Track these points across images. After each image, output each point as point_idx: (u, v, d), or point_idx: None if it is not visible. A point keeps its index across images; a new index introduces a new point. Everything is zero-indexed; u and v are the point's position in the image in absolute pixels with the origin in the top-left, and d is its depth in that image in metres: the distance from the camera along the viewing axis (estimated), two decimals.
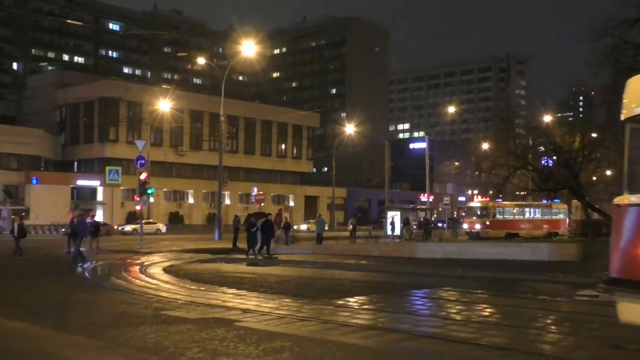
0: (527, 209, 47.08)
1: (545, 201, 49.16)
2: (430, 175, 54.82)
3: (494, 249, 23.03)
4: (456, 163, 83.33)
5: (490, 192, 47.84)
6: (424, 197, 62.43)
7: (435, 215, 62.57)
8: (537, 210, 47.68)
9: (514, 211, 46.06)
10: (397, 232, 44.65)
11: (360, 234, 45.06)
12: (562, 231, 47.69)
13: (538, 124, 43.14)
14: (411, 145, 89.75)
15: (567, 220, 48.82)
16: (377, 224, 59.00)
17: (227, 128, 56.00)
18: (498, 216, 44.68)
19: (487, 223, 43.86)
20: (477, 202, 47.77)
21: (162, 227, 56.04)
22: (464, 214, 48.92)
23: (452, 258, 22.38)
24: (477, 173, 54.12)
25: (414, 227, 45.57)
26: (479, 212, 44.96)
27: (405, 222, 44.25)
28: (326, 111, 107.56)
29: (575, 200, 42.05)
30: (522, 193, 47.80)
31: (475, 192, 58.11)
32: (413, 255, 23.76)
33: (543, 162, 42.14)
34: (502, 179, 40.13)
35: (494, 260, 20.84)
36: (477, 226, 43.95)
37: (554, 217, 48.52)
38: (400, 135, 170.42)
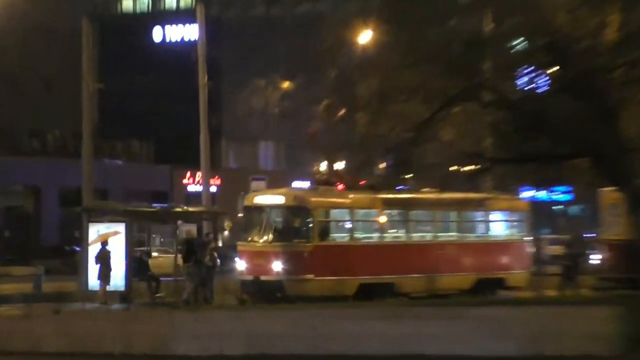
0: (417, 212, 37.56)
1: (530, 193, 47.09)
2: (212, 118, 48.28)
3: (393, 327, 20.80)
4: (285, 84, 71.00)
5: (381, 167, 36.28)
6: (192, 184, 57.78)
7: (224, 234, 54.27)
8: (448, 212, 38.42)
9: (385, 216, 36.38)
10: (119, 281, 37.01)
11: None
12: (518, 275, 38.38)
13: None
14: (156, 35, 74.35)
15: (527, 247, 40.19)
16: (65, 256, 52.23)
17: None
18: (334, 235, 35.84)
19: (301, 258, 35.22)
20: (264, 195, 39.47)
21: None
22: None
23: (275, 355, 20.63)
24: (341, 113, 38.33)
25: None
26: (271, 223, 36.22)
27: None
28: None
29: (608, 190, 35.49)
30: (468, 171, 36.08)
31: (340, 166, 44.34)
32: (166, 348, 21.67)
33: (521, 83, 32.11)
34: (413, 131, 30.70)
35: None
36: (274, 266, 35.02)
37: (497, 234, 39.47)
38: (125, 6, 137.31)
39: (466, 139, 32.54)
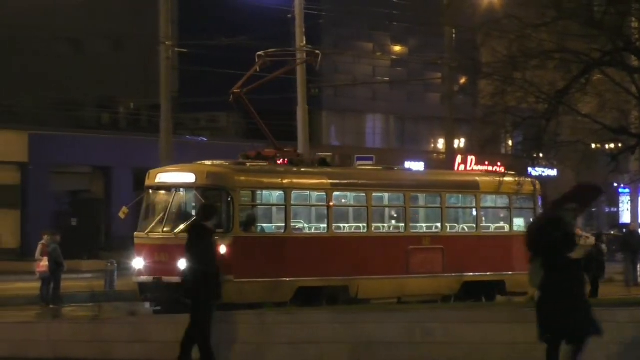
0: (381, 195, 35.31)
1: None
2: (311, 87, 47.63)
3: (521, 333, 19.02)
4: (396, 47, 71.32)
5: (519, 145, 35.57)
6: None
7: None
8: (425, 195, 36.09)
9: (335, 200, 34.26)
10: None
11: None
12: (523, 277, 35.18)
13: None
14: None
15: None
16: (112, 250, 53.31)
17: None
18: (262, 224, 33.78)
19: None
20: (169, 172, 37.06)
21: None
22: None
23: None
24: (462, 82, 40.83)
25: None
26: (178, 208, 33.18)
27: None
28: None
29: None
30: (610, 149, 33.67)
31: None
32: (257, 356, 21.30)
33: None
34: (546, 102, 28.48)
35: None
36: (180, 265, 30.57)
37: (492, 225, 36.88)
38: None
39: (609, 112, 29.77)
